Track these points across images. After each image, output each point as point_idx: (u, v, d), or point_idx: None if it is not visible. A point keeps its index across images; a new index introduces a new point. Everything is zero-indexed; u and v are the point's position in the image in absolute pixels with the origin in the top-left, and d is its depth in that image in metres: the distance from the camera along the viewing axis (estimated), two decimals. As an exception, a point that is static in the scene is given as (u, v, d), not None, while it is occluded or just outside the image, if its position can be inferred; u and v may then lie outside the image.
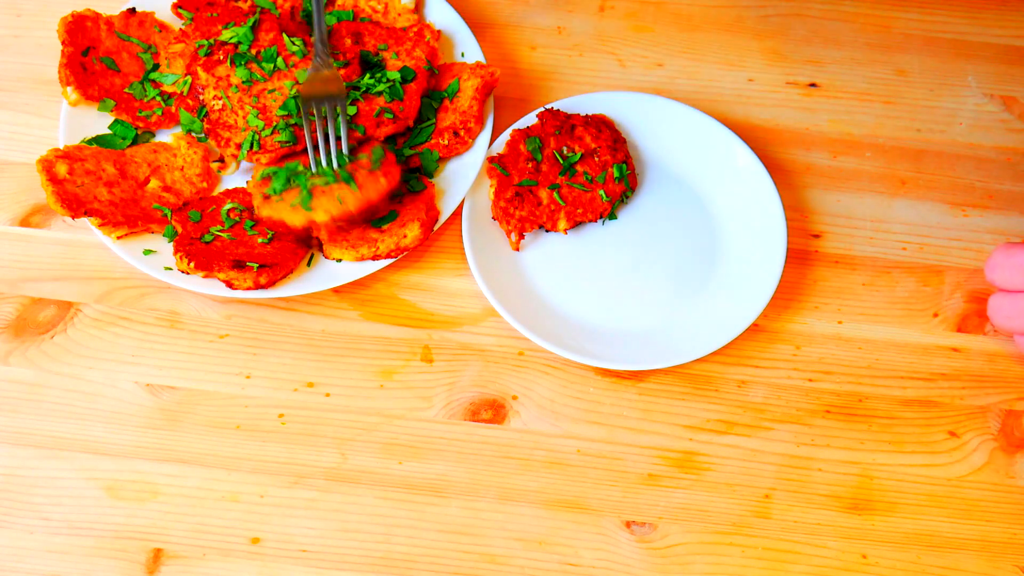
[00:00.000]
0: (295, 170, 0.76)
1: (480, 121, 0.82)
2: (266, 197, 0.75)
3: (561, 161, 0.80)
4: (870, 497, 0.72)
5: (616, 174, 0.80)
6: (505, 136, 0.82)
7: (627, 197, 0.81)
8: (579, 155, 0.81)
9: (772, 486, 0.72)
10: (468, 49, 0.87)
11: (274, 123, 0.79)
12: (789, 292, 0.79)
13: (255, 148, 0.79)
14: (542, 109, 0.82)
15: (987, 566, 0.70)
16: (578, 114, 0.82)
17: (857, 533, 0.71)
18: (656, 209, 0.82)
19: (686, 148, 0.83)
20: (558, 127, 0.81)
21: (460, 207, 0.79)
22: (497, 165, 0.80)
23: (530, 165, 0.80)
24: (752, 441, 0.74)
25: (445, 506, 0.71)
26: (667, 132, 0.84)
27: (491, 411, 0.74)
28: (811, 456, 0.73)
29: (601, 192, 0.79)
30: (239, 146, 0.79)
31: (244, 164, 0.81)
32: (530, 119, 0.83)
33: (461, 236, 0.78)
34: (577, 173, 0.80)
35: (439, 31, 0.86)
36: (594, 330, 0.76)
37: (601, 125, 0.82)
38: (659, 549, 0.70)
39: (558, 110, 0.82)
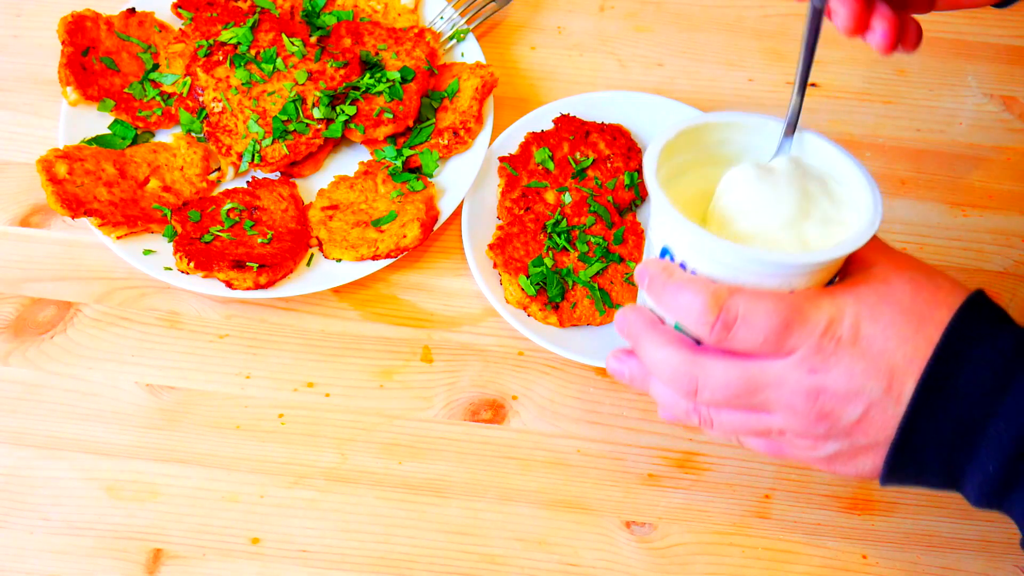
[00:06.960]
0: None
1: (480, 121, 0.82)
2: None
3: (573, 165, 0.80)
4: (870, 497, 0.72)
5: (627, 181, 0.80)
6: (518, 138, 0.82)
7: (636, 206, 0.81)
8: (591, 159, 0.81)
9: (772, 486, 0.72)
10: (468, 49, 0.87)
11: (273, 129, 0.79)
12: (789, 292, 0.79)
13: (256, 160, 0.79)
14: (559, 115, 0.82)
15: (987, 566, 0.70)
16: (594, 122, 0.82)
17: (857, 533, 0.71)
18: None
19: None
20: (573, 133, 0.81)
21: (460, 207, 0.79)
22: (507, 165, 0.80)
23: (540, 168, 0.80)
24: (752, 441, 0.74)
25: (445, 506, 0.71)
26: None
27: (491, 411, 0.74)
28: (811, 456, 0.73)
29: (609, 198, 0.79)
30: (240, 155, 0.79)
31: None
32: (545, 123, 0.83)
33: (461, 236, 0.78)
34: (588, 178, 0.80)
35: (439, 31, 0.86)
36: (594, 330, 0.76)
37: (617, 133, 0.82)
38: (659, 549, 0.70)
39: (574, 116, 0.82)
